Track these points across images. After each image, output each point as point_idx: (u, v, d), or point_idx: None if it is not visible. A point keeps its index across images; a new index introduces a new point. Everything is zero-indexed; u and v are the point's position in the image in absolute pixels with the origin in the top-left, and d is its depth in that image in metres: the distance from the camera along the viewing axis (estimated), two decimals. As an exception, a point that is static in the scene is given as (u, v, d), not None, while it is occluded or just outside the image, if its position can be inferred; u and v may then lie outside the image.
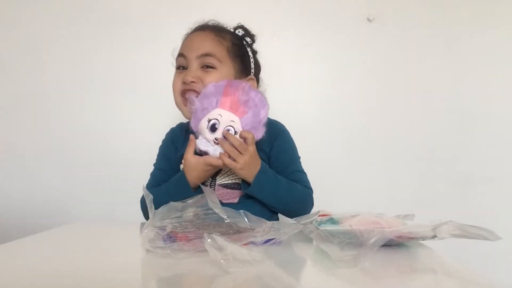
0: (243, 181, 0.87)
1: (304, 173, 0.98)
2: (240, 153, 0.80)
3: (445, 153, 1.41)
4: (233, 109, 0.81)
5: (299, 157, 1.00)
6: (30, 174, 1.43)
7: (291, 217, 0.89)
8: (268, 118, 1.06)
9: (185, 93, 0.92)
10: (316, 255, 0.63)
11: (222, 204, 0.90)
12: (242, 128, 0.81)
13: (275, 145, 0.95)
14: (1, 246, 0.64)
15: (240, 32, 1.00)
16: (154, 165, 1.01)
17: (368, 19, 1.41)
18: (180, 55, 0.95)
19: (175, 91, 0.95)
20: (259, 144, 0.89)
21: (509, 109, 1.42)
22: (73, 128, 1.42)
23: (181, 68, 0.96)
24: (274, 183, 0.87)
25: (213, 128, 0.80)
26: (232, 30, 1.00)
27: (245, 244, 0.58)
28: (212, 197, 0.66)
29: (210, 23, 1.00)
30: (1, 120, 1.44)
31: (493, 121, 1.41)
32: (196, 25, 1.00)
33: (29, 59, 1.43)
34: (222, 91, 0.82)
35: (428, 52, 1.42)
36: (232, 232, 0.63)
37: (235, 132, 0.80)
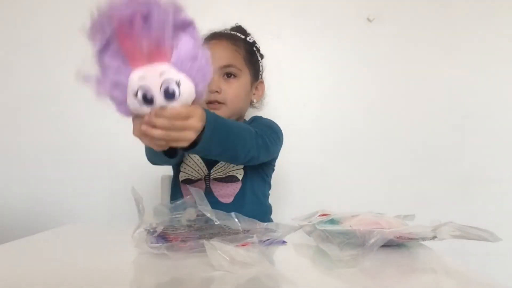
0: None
1: (270, 137, 0.88)
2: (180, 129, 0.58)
3: (445, 153, 1.41)
4: (152, 57, 0.52)
5: (278, 133, 0.94)
6: (30, 175, 1.42)
7: (233, 162, 0.90)
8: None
9: (207, 103, 0.93)
10: (316, 255, 0.63)
11: (219, 203, 0.91)
12: (182, 70, 0.53)
13: (255, 120, 0.99)
14: (1, 246, 0.64)
15: (251, 39, 1.03)
16: None
17: (368, 19, 1.41)
18: None
19: None
20: None
21: (509, 109, 1.42)
22: (73, 129, 1.42)
23: None
24: (223, 134, 0.70)
25: (147, 100, 0.53)
26: (243, 37, 1.03)
27: (243, 244, 0.58)
28: (201, 199, 0.65)
29: (223, 32, 1.02)
30: (1, 121, 1.44)
31: (493, 121, 1.41)
32: (208, 33, 1.01)
33: (29, 59, 1.43)
34: (118, 42, 0.52)
35: (428, 52, 1.42)
36: (225, 233, 0.63)
37: (178, 83, 0.53)
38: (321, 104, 1.42)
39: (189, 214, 0.67)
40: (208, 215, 0.64)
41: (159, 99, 0.53)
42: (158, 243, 0.58)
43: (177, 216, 0.66)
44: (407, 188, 1.40)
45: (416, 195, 1.39)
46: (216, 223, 0.64)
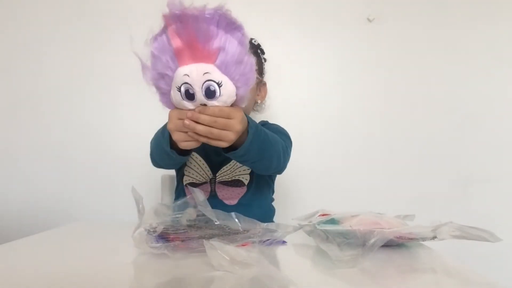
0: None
1: (288, 142, 0.90)
2: (223, 129, 0.61)
3: (445, 153, 1.41)
4: (198, 56, 0.55)
5: (291, 142, 0.94)
6: (29, 175, 1.42)
7: (265, 172, 0.89)
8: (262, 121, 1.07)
9: None
10: (316, 255, 0.63)
11: (223, 205, 0.91)
12: (225, 73, 0.57)
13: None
14: (1, 246, 0.64)
15: (255, 42, 1.03)
16: None
17: (368, 19, 1.41)
18: None
19: None
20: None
21: (509, 109, 1.42)
22: (72, 129, 1.42)
23: None
24: (261, 141, 0.71)
25: (190, 96, 0.58)
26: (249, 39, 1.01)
27: (243, 244, 0.58)
28: (201, 199, 0.65)
29: None
30: (1, 120, 1.44)
31: (493, 121, 1.41)
32: None
33: (28, 59, 1.43)
34: (169, 38, 0.56)
35: (428, 52, 1.42)
36: (225, 233, 0.63)
37: (220, 84, 0.57)
38: (321, 104, 1.42)
39: (189, 214, 0.67)
40: (208, 215, 0.64)
41: (199, 96, 0.57)
42: (158, 243, 0.58)
43: (177, 216, 0.66)
44: (407, 188, 1.40)
45: (416, 195, 1.39)
46: (216, 223, 0.64)
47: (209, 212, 0.64)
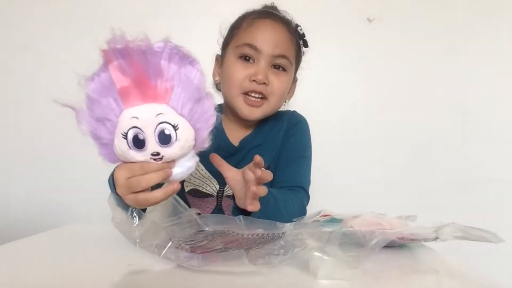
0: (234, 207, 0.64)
1: (306, 176, 0.89)
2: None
3: (446, 153, 1.41)
4: (149, 96, 0.46)
5: (309, 156, 0.92)
6: (30, 175, 1.42)
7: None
8: (288, 110, 0.98)
9: (248, 93, 0.81)
10: (317, 256, 0.63)
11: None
12: (181, 114, 0.47)
13: (289, 135, 0.90)
14: (1, 246, 0.63)
15: (301, 30, 0.90)
16: None
17: (368, 19, 1.41)
18: (250, 45, 0.81)
19: (236, 84, 0.81)
20: (270, 133, 0.86)
21: (509, 109, 1.42)
22: (73, 128, 1.42)
23: (245, 58, 0.82)
24: (274, 205, 0.68)
25: (139, 144, 0.47)
26: (294, 25, 0.90)
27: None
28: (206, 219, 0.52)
29: (279, 12, 0.90)
30: (0, 120, 1.44)
31: (493, 121, 1.41)
32: (259, 8, 0.90)
33: (29, 59, 1.43)
34: (110, 77, 0.46)
35: (428, 52, 1.42)
36: (261, 242, 0.55)
37: (176, 127, 0.46)
38: (321, 104, 1.42)
39: (189, 215, 0.65)
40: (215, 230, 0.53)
41: (151, 142, 0.46)
42: (193, 258, 0.52)
43: (176, 222, 0.59)
44: (408, 188, 1.39)
45: (417, 195, 1.38)
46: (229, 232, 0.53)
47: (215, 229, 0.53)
